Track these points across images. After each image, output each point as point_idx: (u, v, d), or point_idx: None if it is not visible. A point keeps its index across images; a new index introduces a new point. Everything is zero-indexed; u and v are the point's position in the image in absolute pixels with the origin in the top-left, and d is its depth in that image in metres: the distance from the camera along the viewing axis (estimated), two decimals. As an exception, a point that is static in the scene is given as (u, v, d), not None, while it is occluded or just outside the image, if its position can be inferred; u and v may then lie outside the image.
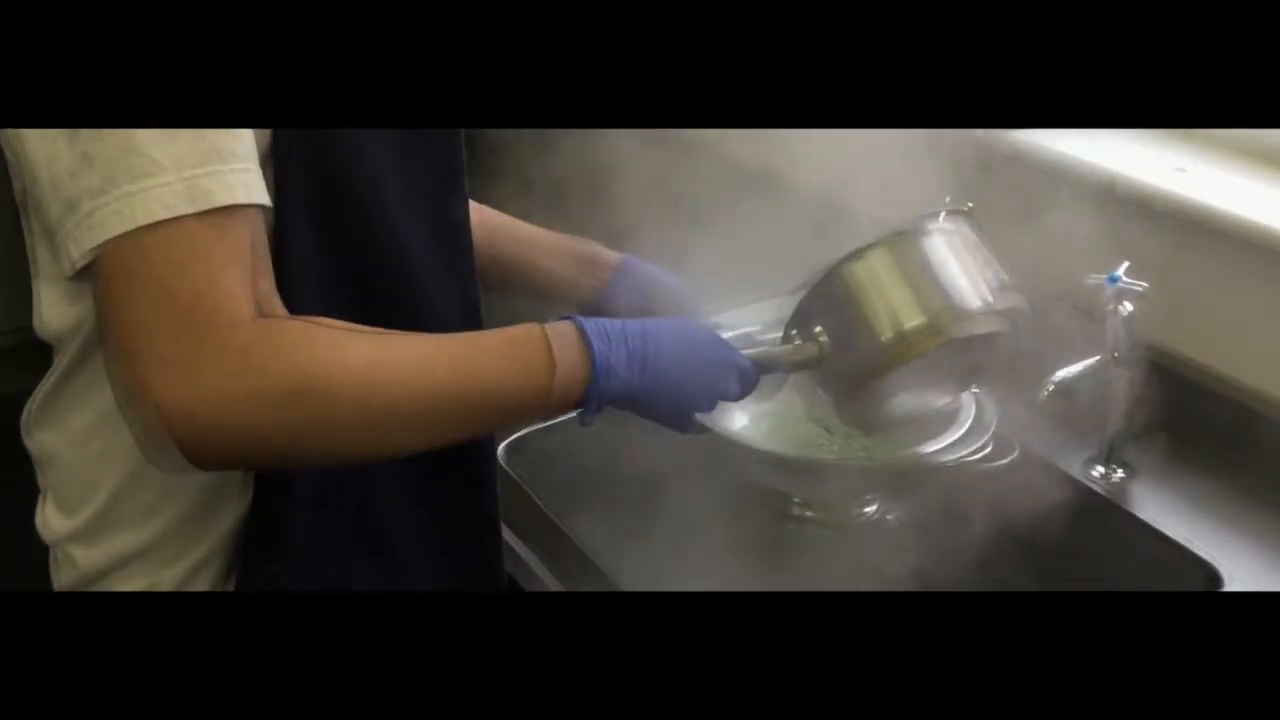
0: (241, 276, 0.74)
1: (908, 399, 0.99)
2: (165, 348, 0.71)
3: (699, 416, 0.90)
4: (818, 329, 0.94)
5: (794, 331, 0.95)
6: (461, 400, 0.80)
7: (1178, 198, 1.22)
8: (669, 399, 0.87)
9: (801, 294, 0.95)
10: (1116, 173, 1.26)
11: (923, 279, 0.93)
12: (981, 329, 0.93)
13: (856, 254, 0.94)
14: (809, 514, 1.17)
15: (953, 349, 0.93)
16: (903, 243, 0.94)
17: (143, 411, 0.72)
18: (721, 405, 0.91)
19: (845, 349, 0.93)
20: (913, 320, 0.92)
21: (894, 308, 0.92)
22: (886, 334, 0.92)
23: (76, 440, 0.89)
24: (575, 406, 0.85)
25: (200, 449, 0.73)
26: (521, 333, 0.83)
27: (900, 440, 1.12)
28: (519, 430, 1.24)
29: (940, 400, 1.05)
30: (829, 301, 0.94)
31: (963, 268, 0.94)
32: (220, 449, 0.74)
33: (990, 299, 0.93)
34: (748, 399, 0.94)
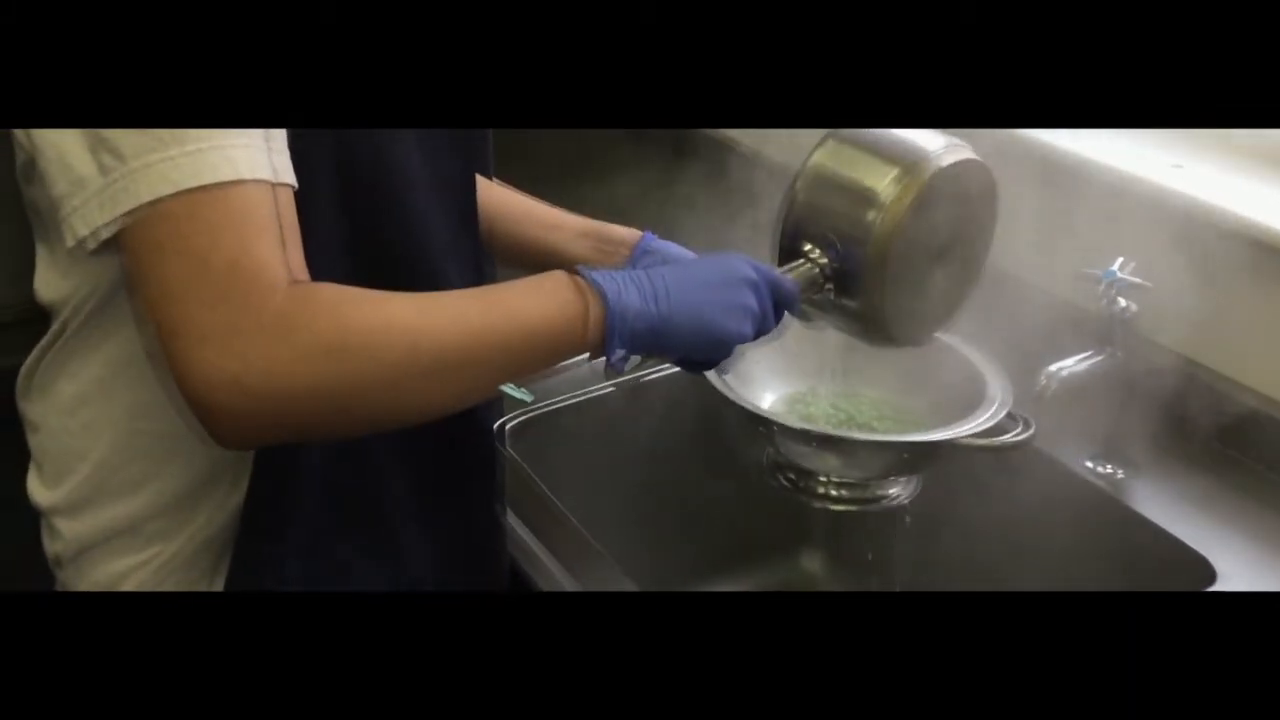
0: (273, 244, 0.73)
1: (929, 278, 0.98)
2: (204, 319, 0.70)
3: (726, 328, 0.88)
4: (807, 246, 0.94)
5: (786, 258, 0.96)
6: (504, 342, 0.80)
7: (1174, 194, 1.22)
8: (691, 323, 0.85)
9: (776, 230, 0.96)
10: (1113, 168, 1.26)
11: (875, 149, 0.94)
12: (952, 158, 0.94)
13: (803, 170, 0.96)
14: (817, 492, 1.17)
15: (938, 194, 0.93)
16: (837, 138, 0.96)
17: (189, 387, 0.71)
18: (748, 317, 0.89)
19: (843, 246, 0.93)
20: (885, 179, 0.92)
21: (864, 181, 0.93)
22: (874, 204, 0.93)
23: (63, 410, 0.89)
24: (599, 351, 0.84)
25: (253, 419, 0.72)
26: (547, 275, 0.84)
27: (915, 420, 1.14)
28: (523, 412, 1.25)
29: (959, 282, 1.03)
30: (805, 220, 0.95)
31: (901, 131, 0.96)
32: (273, 416, 0.73)
33: (943, 138, 0.95)
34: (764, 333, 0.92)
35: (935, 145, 0.94)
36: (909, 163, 0.93)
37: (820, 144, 0.96)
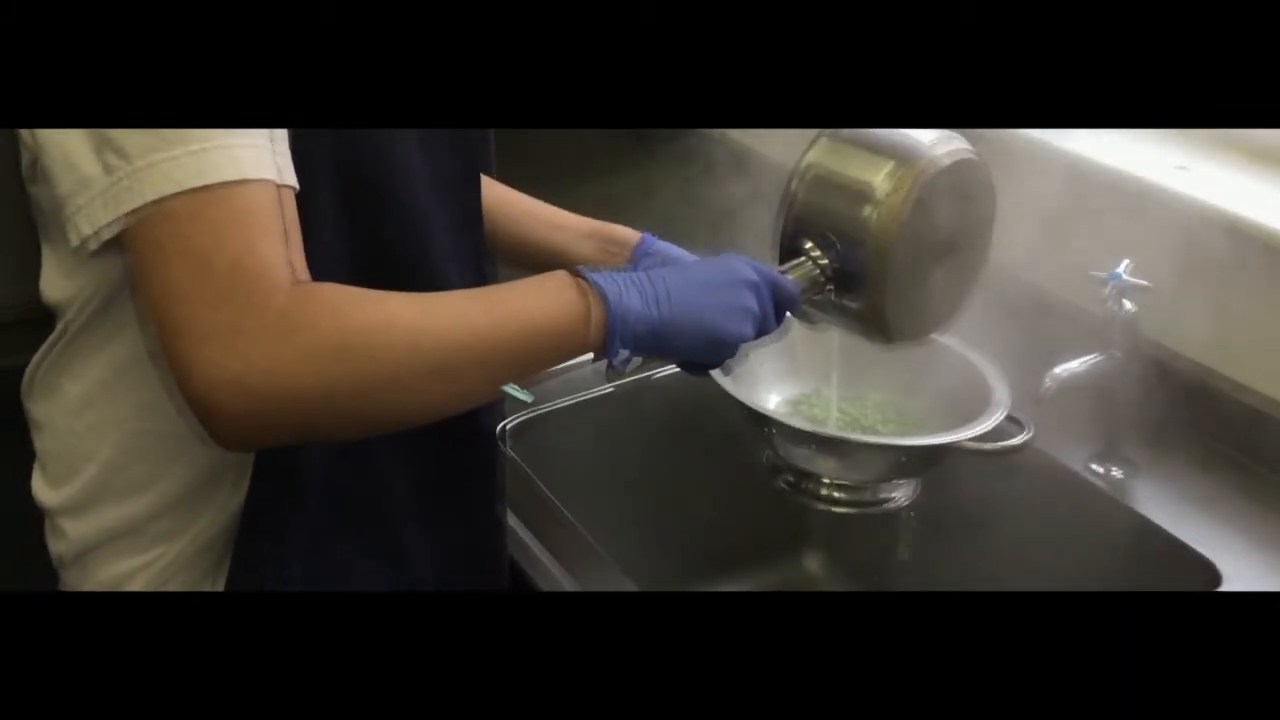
0: (277, 244, 0.73)
1: (929, 275, 0.98)
2: (207, 319, 0.70)
3: (726, 330, 0.87)
4: (808, 245, 0.94)
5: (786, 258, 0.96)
6: (506, 342, 0.79)
7: (1179, 195, 1.22)
8: (692, 326, 0.85)
9: (776, 229, 0.96)
10: (1118, 170, 1.26)
11: (869, 145, 0.94)
12: (946, 151, 0.94)
13: (799, 170, 0.95)
14: (817, 494, 1.17)
15: (935, 188, 0.93)
16: (832, 135, 0.96)
17: (190, 387, 0.71)
18: (748, 319, 0.89)
19: (842, 245, 0.93)
20: (880, 174, 0.92)
21: (860, 177, 0.93)
22: (871, 199, 0.92)
23: (68, 411, 0.90)
24: (600, 351, 0.84)
25: (255, 420, 0.72)
26: (548, 275, 0.84)
27: (917, 421, 1.13)
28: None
29: (960, 280, 1.02)
30: (803, 219, 0.95)
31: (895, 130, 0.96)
32: (275, 417, 0.72)
33: (938, 133, 0.95)
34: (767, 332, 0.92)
35: (930, 140, 0.94)
36: (904, 158, 0.93)
37: (814, 142, 0.96)
